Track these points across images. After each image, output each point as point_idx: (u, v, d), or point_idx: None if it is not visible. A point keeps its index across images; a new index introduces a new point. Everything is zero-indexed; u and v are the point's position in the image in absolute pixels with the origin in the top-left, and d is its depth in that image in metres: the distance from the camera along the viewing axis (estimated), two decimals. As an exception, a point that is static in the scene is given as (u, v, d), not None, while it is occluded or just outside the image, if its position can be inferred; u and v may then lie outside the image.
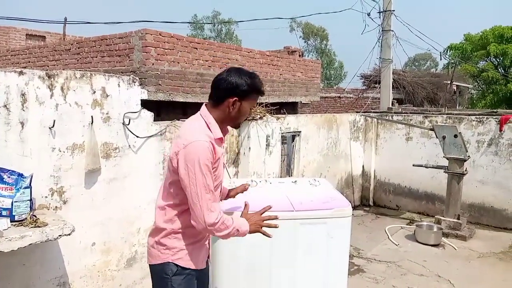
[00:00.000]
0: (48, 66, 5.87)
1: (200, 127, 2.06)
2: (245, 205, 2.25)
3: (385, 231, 6.22)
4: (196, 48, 5.24)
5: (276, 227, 2.17)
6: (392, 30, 8.86)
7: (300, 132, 6.08)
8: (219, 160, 2.10)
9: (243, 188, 2.66)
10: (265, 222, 2.15)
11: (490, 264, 5.10)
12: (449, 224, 6.06)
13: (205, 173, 1.95)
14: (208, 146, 1.96)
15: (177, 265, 2.12)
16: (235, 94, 2.07)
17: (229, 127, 2.28)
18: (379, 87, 9.30)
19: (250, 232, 2.12)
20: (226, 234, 2.03)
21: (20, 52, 6.65)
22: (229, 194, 2.63)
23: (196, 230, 2.08)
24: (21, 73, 2.92)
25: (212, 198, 1.99)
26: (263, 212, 2.20)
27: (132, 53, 4.58)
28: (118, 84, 3.60)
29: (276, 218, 2.19)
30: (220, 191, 2.35)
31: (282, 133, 5.64)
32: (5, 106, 2.84)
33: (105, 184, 3.54)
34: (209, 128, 2.06)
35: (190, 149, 1.95)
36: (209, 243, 2.33)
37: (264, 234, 2.17)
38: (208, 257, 2.34)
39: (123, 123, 3.64)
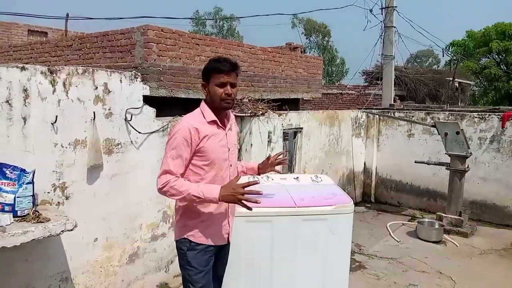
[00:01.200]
0: (50, 62, 5.87)
1: (192, 114, 2.42)
2: (236, 176, 2.40)
3: (387, 227, 6.22)
4: (198, 44, 5.23)
5: (257, 202, 2.14)
6: (394, 27, 8.85)
7: (301, 128, 6.08)
8: (206, 139, 2.31)
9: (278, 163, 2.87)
10: (245, 195, 2.15)
11: (492, 261, 5.10)
12: (450, 221, 6.06)
13: (176, 146, 2.26)
14: (188, 126, 2.28)
15: (190, 241, 2.38)
16: (203, 80, 2.43)
17: (231, 115, 2.58)
18: (381, 84, 9.30)
19: (224, 200, 2.19)
20: (181, 198, 2.25)
21: (22, 48, 6.66)
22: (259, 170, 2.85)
23: (205, 208, 2.36)
24: (23, 68, 2.92)
25: (174, 167, 2.24)
26: (246, 186, 2.18)
27: (134, 49, 4.57)
28: (120, 80, 3.59)
29: (256, 183, 2.31)
30: (227, 173, 2.47)
31: (283, 130, 5.64)
32: (7, 101, 2.84)
33: (107, 180, 3.54)
34: (202, 114, 2.38)
35: (174, 127, 2.34)
36: (229, 222, 2.51)
37: (244, 206, 2.18)
38: (228, 235, 2.52)
39: (125, 119, 3.63)
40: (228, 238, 2.53)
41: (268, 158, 2.89)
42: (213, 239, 2.42)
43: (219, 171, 2.40)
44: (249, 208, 2.18)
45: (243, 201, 2.14)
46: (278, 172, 3.04)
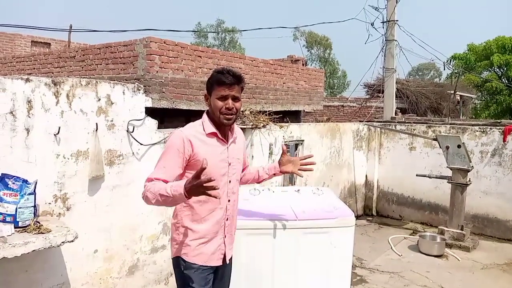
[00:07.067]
0: (53, 73, 5.91)
1: (191, 124, 2.32)
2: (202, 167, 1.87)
3: (388, 241, 6.18)
4: (200, 56, 5.27)
5: (215, 188, 1.86)
6: (396, 40, 8.90)
7: (303, 140, 6.09)
8: (200, 153, 2.18)
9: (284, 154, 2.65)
10: (205, 188, 1.86)
11: (494, 275, 5.06)
12: (452, 235, 6.02)
13: (167, 155, 2.19)
14: (182, 136, 2.19)
15: (184, 260, 2.26)
16: (207, 92, 2.32)
17: (237, 128, 2.46)
18: (383, 97, 9.32)
19: (190, 193, 1.91)
20: (156, 201, 2.06)
21: (25, 59, 6.71)
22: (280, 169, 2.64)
23: (199, 225, 2.25)
24: (27, 80, 2.94)
25: (158, 175, 2.14)
26: (198, 175, 1.87)
27: (136, 61, 4.61)
28: (123, 92, 3.62)
29: (210, 180, 1.84)
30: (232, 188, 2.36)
31: (285, 142, 5.65)
32: (11, 112, 2.86)
33: (108, 191, 3.55)
34: (202, 126, 2.28)
35: (169, 137, 2.29)
36: (225, 242, 2.35)
37: (209, 195, 1.88)
38: (224, 256, 2.36)
39: (127, 131, 3.65)
40: (223, 259, 2.37)
41: (284, 153, 2.63)
42: (206, 260, 2.28)
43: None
44: (215, 197, 1.90)
45: (207, 190, 1.86)
46: (299, 176, 2.68)
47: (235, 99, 2.25)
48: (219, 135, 2.28)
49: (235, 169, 2.38)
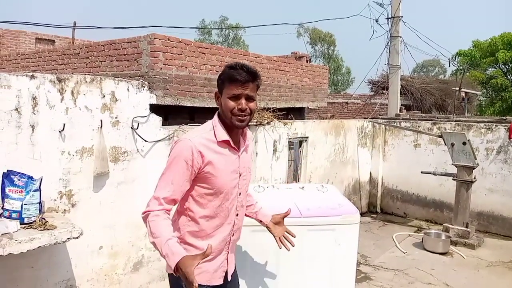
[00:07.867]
0: (57, 70, 5.92)
1: (201, 130, 2.07)
2: (206, 250, 1.74)
3: (393, 238, 6.17)
4: (204, 53, 5.26)
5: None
6: (400, 36, 8.85)
7: (307, 137, 6.07)
8: (211, 164, 1.97)
9: (285, 215, 2.49)
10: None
11: (499, 273, 5.04)
12: (457, 232, 6.00)
13: (174, 169, 1.94)
14: (190, 146, 1.93)
15: None
16: (217, 89, 2.07)
17: (249, 134, 2.25)
18: (387, 93, 9.28)
19: (179, 273, 1.74)
20: (150, 240, 1.89)
21: (30, 56, 6.73)
22: (266, 221, 2.48)
23: (203, 241, 2.04)
24: (32, 77, 2.95)
25: (166, 193, 1.94)
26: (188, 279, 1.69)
27: (140, 58, 4.61)
28: (128, 89, 3.62)
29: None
30: (234, 203, 2.14)
31: (289, 139, 5.64)
32: (16, 109, 2.87)
33: (113, 188, 3.56)
34: (214, 131, 2.03)
35: (175, 145, 2.00)
36: (227, 259, 2.20)
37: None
38: (226, 273, 2.20)
39: (132, 127, 3.65)
40: (225, 277, 2.19)
41: (285, 216, 2.49)
42: (209, 279, 2.09)
43: (224, 201, 2.06)
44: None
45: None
46: (278, 245, 2.47)
47: (249, 98, 1.99)
48: (232, 144, 2.05)
49: (245, 179, 2.19)
